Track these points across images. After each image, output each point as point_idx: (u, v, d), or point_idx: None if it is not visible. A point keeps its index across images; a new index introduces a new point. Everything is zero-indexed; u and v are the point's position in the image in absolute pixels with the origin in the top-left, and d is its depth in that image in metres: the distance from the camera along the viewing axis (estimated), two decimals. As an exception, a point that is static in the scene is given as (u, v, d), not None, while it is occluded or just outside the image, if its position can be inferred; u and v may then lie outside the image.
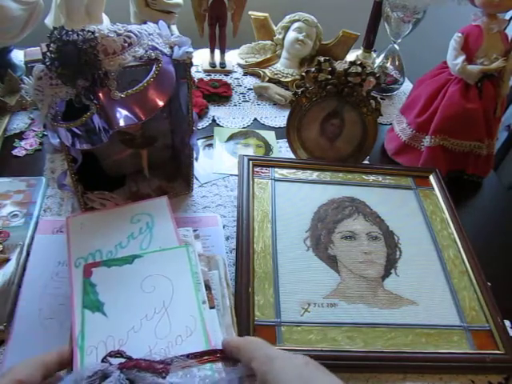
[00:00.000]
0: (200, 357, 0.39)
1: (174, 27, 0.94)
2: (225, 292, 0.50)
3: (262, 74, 0.97)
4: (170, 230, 0.51)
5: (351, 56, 1.03)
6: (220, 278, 0.51)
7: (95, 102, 0.48)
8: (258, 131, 0.83)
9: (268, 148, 0.80)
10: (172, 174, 0.69)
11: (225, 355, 0.40)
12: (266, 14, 0.99)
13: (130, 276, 0.46)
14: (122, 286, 0.45)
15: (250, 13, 0.98)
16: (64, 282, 0.52)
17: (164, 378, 0.36)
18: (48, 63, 0.45)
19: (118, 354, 0.38)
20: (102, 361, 0.37)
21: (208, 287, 0.47)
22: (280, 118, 0.87)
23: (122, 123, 0.49)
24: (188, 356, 0.38)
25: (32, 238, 0.57)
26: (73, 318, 0.43)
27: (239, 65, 1.02)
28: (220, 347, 0.40)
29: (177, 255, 0.49)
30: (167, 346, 0.40)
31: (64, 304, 0.49)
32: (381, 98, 0.95)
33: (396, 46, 0.95)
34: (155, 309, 0.43)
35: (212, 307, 0.46)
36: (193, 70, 0.93)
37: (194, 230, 0.54)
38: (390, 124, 0.86)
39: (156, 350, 0.40)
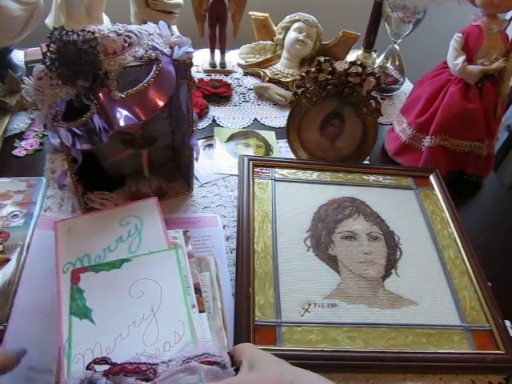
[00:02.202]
0: (187, 361, 0.38)
1: (174, 27, 0.94)
2: (216, 294, 0.49)
3: (262, 74, 0.97)
4: (159, 232, 0.51)
5: (351, 56, 1.03)
6: (211, 280, 0.50)
7: (95, 102, 0.48)
8: (258, 131, 0.83)
9: (268, 148, 0.80)
10: (172, 174, 0.69)
11: (215, 360, 0.39)
12: (267, 14, 0.99)
13: (119, 281, 0.45)
14: (110, 292, 0.44)
15: (250, 13, 0.98)
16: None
17: (152, 379, 0.35)
18: (48, 63, 0.45)
19: (103, 360, 0.37)
20: (87, 368, 0.36)
21: (198, 290, 0.47)
22: (280, 118, 0.87)
23: (122, 123, 0.49)
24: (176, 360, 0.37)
25: (32, 238, 0.57)
26: (60, 325, 0.42)
27: (239, 65, 1.02)
28: (209, 351, 0.39)
29: (166, 258, 0.48)
30: (155, 353, 0.39)
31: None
32: (381, 98, 0.95)
33: (396, 46, 0.95)
34: (143, 315, 0.43)
35: (202, 311, 0.45)
36: (193, 70, 0.93)
37: (185, 232, 0.53)
38: (391, 124, 0.85)
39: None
